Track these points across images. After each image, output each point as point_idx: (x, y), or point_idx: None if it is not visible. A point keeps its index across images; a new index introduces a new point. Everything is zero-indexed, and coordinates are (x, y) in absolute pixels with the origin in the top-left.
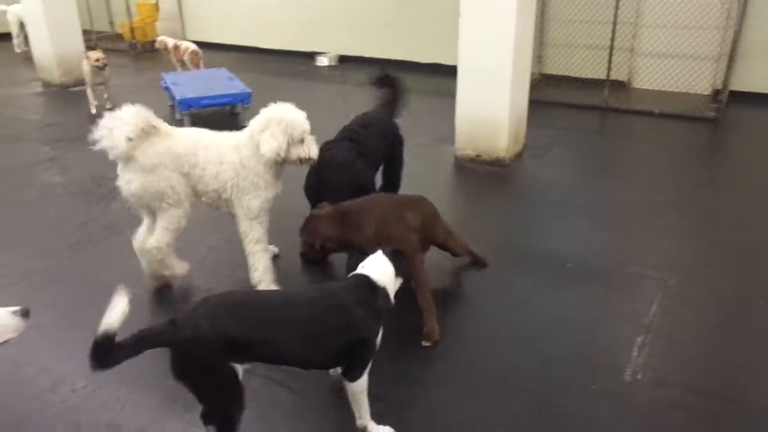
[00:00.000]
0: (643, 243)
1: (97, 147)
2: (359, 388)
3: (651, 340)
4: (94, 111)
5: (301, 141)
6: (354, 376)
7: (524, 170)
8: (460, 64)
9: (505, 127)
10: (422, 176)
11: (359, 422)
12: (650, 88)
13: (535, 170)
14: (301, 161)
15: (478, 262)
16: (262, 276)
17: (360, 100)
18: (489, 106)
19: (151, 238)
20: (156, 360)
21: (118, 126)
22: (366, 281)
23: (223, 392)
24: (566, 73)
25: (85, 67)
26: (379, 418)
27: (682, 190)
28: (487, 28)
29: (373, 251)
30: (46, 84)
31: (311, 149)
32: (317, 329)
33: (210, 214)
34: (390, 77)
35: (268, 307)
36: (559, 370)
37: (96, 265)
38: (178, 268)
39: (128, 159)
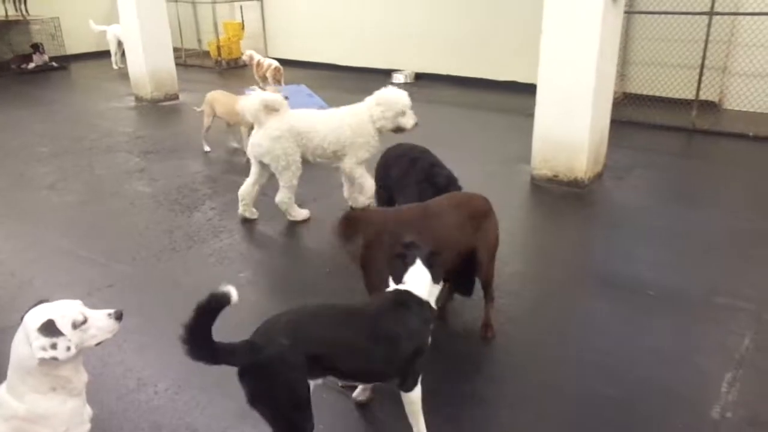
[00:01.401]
0: (732, 272)
1: (241, 111)
2: (416, 398)
3: (743, 376)
4: (208, 149)
5: (403, 114)
6: (410, 386)
7: (603, 192)
8: (540, 83)
9: (584, 148)
10: (496, 196)
11: None
12: (744, 109)
13: (615, 192)
14: (398, 129)
15: (486, 323)
16: (366, 198)
17: (436, 118)
18: (569, 126)
19: (277, 196)
20: (234, 368)
21: (252, 101)
22: (410, 295)
23: (301, 412)
24: (650, 93)
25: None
26: None
27: None
28: (569, 46)
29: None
30: (139, 99)
31: (408, 121)
32: (388, 340)
33: None
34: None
35: (341, 321)
36: (642, 401)
37: (178, 272)
38: (301, 214)
39: (261, 126)
